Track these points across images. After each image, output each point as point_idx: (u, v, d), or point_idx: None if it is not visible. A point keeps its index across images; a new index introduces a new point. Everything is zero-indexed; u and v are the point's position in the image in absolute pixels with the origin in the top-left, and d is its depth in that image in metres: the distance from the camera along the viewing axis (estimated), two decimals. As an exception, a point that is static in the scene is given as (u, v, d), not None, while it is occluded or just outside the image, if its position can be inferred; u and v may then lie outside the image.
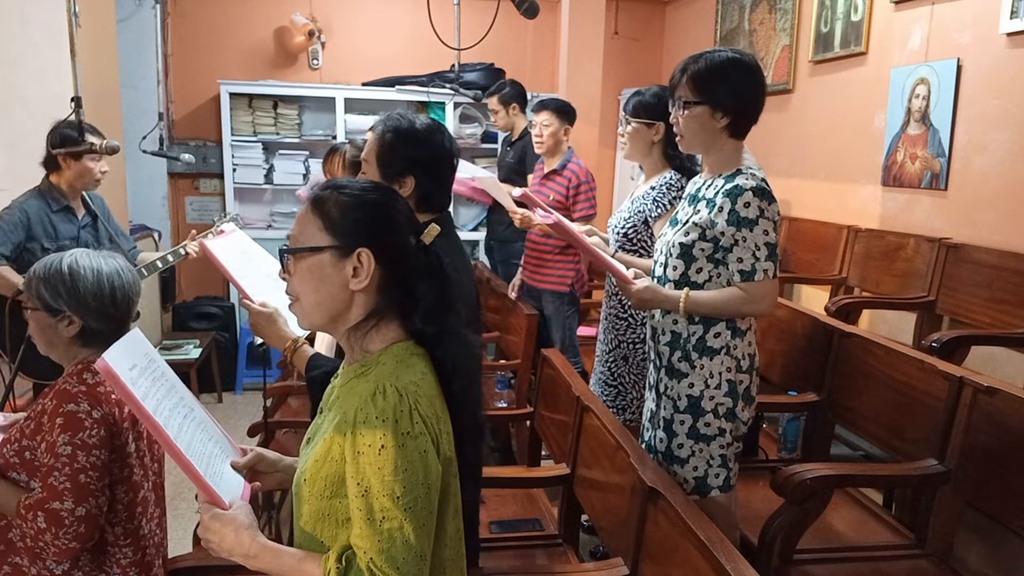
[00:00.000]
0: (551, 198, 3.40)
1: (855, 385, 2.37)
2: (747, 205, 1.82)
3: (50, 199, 2.77)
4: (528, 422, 2.77)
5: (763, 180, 1.85)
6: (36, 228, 2.70)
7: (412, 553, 1.05)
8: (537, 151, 3.59)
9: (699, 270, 1.92)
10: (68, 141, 2.74)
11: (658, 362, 2.04)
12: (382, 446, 1.04)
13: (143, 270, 2.93)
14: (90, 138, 2.76)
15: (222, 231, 2.43)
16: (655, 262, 2.07)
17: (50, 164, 2.80)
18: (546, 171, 3.53)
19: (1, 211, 2.72)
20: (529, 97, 4.24)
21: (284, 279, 1.20)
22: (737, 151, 1.92)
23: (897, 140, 3.51)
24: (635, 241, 2.55)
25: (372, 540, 1.04)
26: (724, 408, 1.93)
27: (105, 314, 1.58)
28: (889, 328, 3.44)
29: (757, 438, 2.76)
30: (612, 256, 2.25)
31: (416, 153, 1.72)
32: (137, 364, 1.25)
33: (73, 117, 2.78)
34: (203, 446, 1.26)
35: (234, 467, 1.32)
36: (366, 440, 1.05)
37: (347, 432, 1.08)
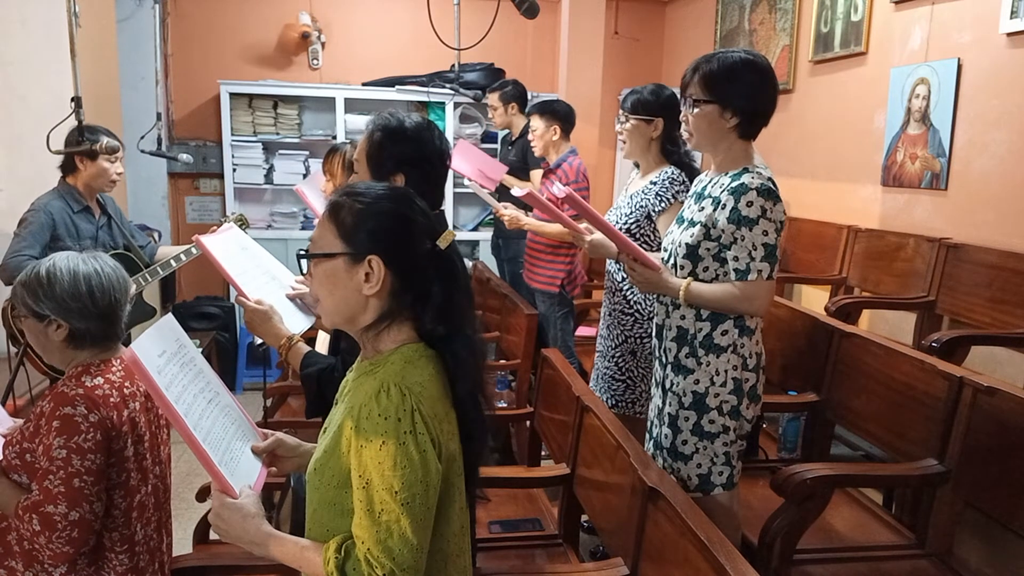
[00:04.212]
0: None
1: (855, 385, 2.37)
2: (749, 204, 1.81)
3: (70, 200, 2.80)
4: (528, 422, 2.77)
5: (769, 180, 1.84)
6: (60, 228, 2.73)
7: (408, 546, 1.08)
8: (535, 154, 3.67)
9: (706, 268, 1.92)
10: (75, 142, 2.76)
11: (664, 359, 2.04)
12: (383, 443, 1.08)
13: (158, 268, 2.93)
14: (101, 138, 2.79)
15: (214, 229, 2.42)
16: (663, 261, 2.07)
17: (67, 166, 2.82)
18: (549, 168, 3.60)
19: (26, 213, 2.73)
20: (530, 97, 4.25)
21: (307, 283, 1.25)
22: (746, 151, 1.92)
23: (897, 140, 3.51)
24: (638, 236, 2.55)
25: (370, 531, 1.08)
26: (728, 406, 1.93)
27: (88, 314, 1.56)
28: (889, 328, 3.44)
29: (757, 438, 2.76)
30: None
31: (406, 151, 1.71)
32: (167, 350, 1.29)
33: (74, 117, 2.79)
34: (224, 431, 1.30)
35: (254, 451, 1.36)
36: (368, 436, 1.09)
37: (353, 427, 1.11)
